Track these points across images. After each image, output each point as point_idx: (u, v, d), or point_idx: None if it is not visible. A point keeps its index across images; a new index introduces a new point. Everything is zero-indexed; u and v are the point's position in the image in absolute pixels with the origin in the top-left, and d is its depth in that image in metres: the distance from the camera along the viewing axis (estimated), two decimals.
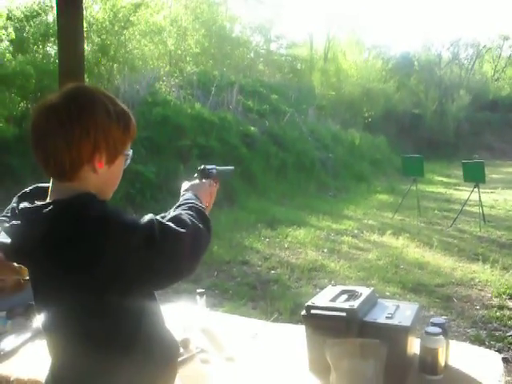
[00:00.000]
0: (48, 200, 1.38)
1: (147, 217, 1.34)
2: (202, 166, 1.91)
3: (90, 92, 1.42)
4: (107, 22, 12.80)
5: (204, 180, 1.85)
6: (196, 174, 1.88)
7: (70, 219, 1.28)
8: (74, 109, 1.33)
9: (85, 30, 11.59)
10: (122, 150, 1.45)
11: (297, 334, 2.37)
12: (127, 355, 1.39)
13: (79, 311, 1.33)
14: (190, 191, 1.71)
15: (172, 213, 1.48)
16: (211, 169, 1.93)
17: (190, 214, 1.45)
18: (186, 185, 1.79)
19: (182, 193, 1.73)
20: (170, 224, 1.35)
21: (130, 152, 1.49)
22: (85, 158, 1.34)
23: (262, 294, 6.01)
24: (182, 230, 1.35)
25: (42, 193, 1.43)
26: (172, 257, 1.33)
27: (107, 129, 1.37)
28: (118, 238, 1.26)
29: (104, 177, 1.40)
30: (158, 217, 1.38)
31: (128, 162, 1.50)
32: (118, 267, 1.26)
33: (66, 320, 1.37)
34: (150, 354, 1.44)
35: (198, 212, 1.50)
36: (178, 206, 1.54)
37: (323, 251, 8.07)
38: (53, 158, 1.34)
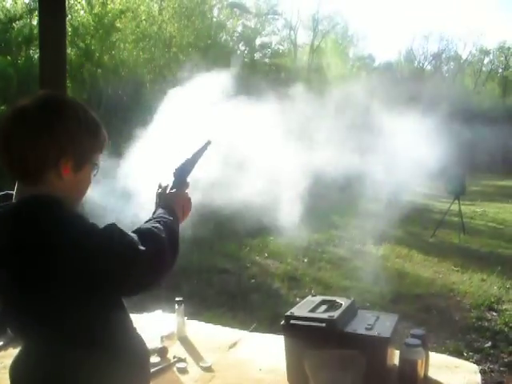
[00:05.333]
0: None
1: (108, 225, 1.32)
2: (175, 169, 1.83)
3: (61, 98, 1.44)
4: (92, 27, 12.74)
5: (178, 190, 1.78)
6: (172, 177, 1.82)
7: (22, 220, 1.27)
8: (42, 113, 1.34)
9: (69, 34, 11.56)
10: (90, 159, 1.44)
11: (276, 343, 2.35)
12: (91, 361, 1.35)
13: (39, 316, 1.31)
14: (164, 204, 1.68)
15: (140, 226, 1.45)
16: (184, 166, 1.84)
17: (156, 227, 1.43)
18: (161, 195, 1.76)
19: (156, 205, 1.71)
20: (132, 235, 1.34)
21: (99, 162, 1.49)
22: (50, 161, 1.34)
23: (242, 303, 5.98)
24: (143, 243, 1.32)
25: (11, 199, 1.41)
26: (129, 268, 1.30)
27: (75, 135, 1.37)
28: (74, 244, 1.23)
29: (70, 183, 1.39)
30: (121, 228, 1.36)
31: (96, 172, 1.49)
32: (71, 272, 1.23)
33: (28, 323, 1.35)
34: (115, 362, 1.41)
35: (166, 226, 1.48)
36: (149, 221, 1.51)
37: (304, 261, 8.07)
38: (18, 160, 1.34)
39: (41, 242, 1.23)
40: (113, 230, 1.30)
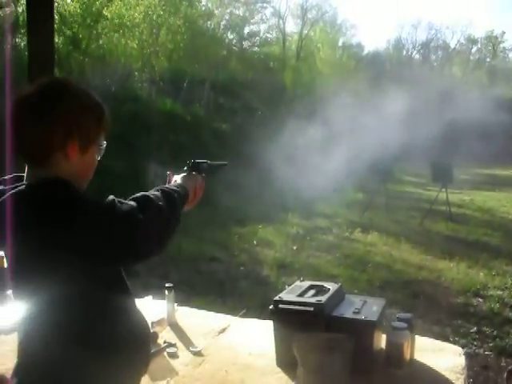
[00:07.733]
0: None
1: (109, 197, 1.34)
2: (192, 160, 1.85)
3: (64, 82, 1.46)
4: (79, 15, 12.63)
5: (194, 173, 1.80)
6: (185, 168, 1.82)
7: (35, 201, 1.31)
8: (47, 97, 1.37)
9: (56, 22, 11.43)
10: (95, 140, 1.47)
11: (265, 328, 2.38)
12: (96, 345, 1.38)
13: (48, 297, 1.33)
14: (178, 181, 1.70)
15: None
16: (202, 163, 1.87)
17: (155, 195, 1.43)
18: (176, 177, 1.77)
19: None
20: (131, 202, 1.35)
21: (104, 144, 1.52)
22: (57, 144, 1.37)
23: (231, 290, 6.01)
24: (142, 209, 1.33)
25: (19, 181, 1.44)
26: (131, 235, 1.31)
27: (80, 117, 1.40)
28: (84, 219, 1.27)
29: (77, 165, 1.42)
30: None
31: (102, 153, 1.52)
32: (84, 247, 1.26)
33: (37, 306, 1.37)
34: (117, 345, 1.43)
35: (166, 194, 1.48)
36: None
37: (292, 248, 8.11)
38: (26, 145, 1.38)
39: (50, 223, 1.26)
40: (114, 202, 1.32)
